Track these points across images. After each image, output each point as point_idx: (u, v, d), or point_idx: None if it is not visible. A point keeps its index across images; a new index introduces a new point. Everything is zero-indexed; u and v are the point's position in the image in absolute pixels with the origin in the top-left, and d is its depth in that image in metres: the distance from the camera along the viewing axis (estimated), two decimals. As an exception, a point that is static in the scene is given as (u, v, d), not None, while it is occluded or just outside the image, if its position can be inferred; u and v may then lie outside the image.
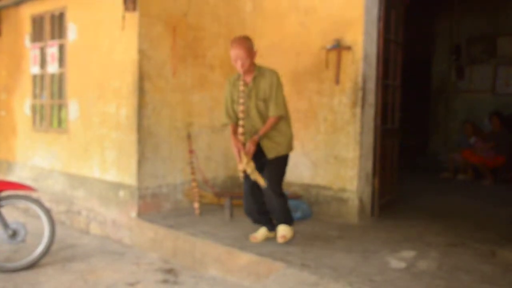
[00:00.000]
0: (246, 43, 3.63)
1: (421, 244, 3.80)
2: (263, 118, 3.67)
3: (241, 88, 3.64)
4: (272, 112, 3.64)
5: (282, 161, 3.75)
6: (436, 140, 9.04)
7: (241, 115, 3.64)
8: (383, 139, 4.71)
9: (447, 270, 3.23)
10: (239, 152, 3.63)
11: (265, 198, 3.74)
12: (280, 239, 3.73)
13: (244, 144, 3.64)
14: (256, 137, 3.62)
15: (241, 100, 3.64)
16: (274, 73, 3.68)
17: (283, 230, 3.76)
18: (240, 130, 3.66)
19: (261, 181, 3.61)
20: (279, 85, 3.67)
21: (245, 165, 3.59)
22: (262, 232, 3.89)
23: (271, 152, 3.69)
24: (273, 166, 3.69)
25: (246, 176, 3.72)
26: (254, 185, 3.72)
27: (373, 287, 2.90)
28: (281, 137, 3.73)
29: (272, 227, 3.90)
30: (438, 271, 3.20)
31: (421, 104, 8.88)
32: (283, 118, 3.72)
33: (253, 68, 3.69)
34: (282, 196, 3.74)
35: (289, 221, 3.81)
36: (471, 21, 8.50)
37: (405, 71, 5.38)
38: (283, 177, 3.78)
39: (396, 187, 5.33)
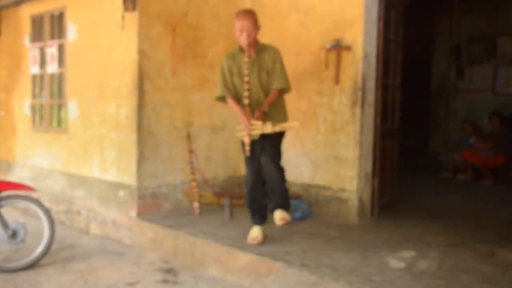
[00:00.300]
0: (253, 16, 3.64)
1: (421, 244, 3.80)
2: (265, 91, 3.67)
3: (246, 59, 3.60)
4: (277, 85, 3.64)
5: (279, 136, 3.73)
6: (436, 140, 9.04)
7: (246, 86, 3.59)
8: (383, 139, 4.71)
9: (447, 270, 3.23)
10: (247, 119, 3.54)
11: (266, 175, 3.68)
12: (280, 221, 3.64)
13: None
14: (263, 107, 3.57)
15: (246, 71, 3.60)
16: (277, 50, 3.72)
17: (281, 213, 3.68)
18: (246, 101, 3.60)
19: (271, 128, 3.53)
20: (282, 61, 3.69)
21: (261, 128, 3.51)
22: (258, 230, 3.84)
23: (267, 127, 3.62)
24: (271, 140, 3.64)
25: (251, 162, 3.69)
26: (260, 169, 3.70)
27: (373, 287, 2.89)
28: (279, 113, 3.73)
29: (264, 220, 3.87)
30: (438, 271, 3.20)
31: (421, 104, 8.88)
32: (286, 91, 3.73)
33: (255, 42, 3.69)
34: (283, 172, 3.73)
35: (287, 205, 3.76)
36: (471, 21, 8.50)
37: (405, 71, 5.38)
38: (281, 152, 3.75)
39: (396, 187, 5.33)
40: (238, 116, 3.66)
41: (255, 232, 3.84)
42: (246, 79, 3.59)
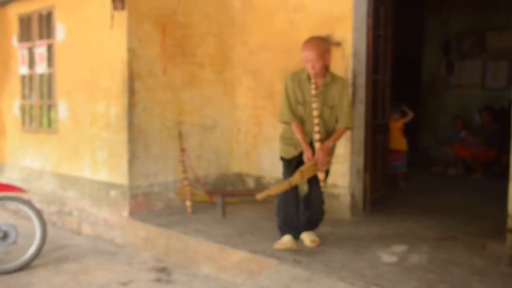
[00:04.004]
0: (319, 45, 3.38)
1: (412, 239, 3.82)
2: (325, 125, 3.47)
3: (313, 92, 3.40)
4: (345, 123, 3.48)
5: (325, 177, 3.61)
6: (427, 135, 9.10)
7: (316, 120, 3.39)
8: (374, 135, 4.73)
9: (438, 263, 3.25)
10: (324, 156, 3.38)
11: (313, 202, 3.62)
12: (312, 243, 3.61)
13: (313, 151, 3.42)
14: (328, 145, 3.40)
15: (315, 105, 3.39)
16: (345, 83, 3.54)
17: (312, 235, 3.68)
18: (317, 136, 3.40)
19: (321, 177, 3.43)
20: (349, 96, 3.55)
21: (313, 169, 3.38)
22: (289, 239, 3.57)
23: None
24: (318, 180, 3.51)
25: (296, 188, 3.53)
26: (297, 193, 3.58)
27: (365, 282, 2.91)
28: (332, 151, 3.60)
29: (297, 234, 3.67)
30: (429, 265, 3.23)
31: (412, 100, 8.91)
32: (349, 129, 3.62)
33: (324, 72, 3.45)
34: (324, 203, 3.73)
35: (316, 228, 3.78)
36: (461, 16, 8.55)
37: (395, 67, 5.40)
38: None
39: (387, 182, 5.35)
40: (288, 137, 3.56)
41: (288, 240, 3.57)
42: (315, 113, 3.37)
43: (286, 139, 3.61)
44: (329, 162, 3.55)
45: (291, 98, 3.50)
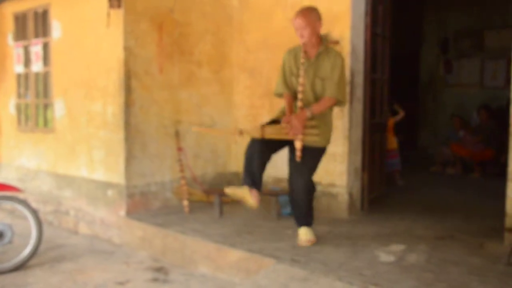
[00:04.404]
0: (309, 14, 3.37)
1: (410, 238, 3.81)
2: (317, 98, 3.43)
3: (302, 60, 3.38)
4: (331, 93, 3.36)
5: (319, 154, 3.50)
6: (425, 134, 9.09)
7: (300, 88, 3.36)
8: (371, 134, 4.72)
9: (436, 263, 3.24)
10: (301, 123, 3.29)
11: (293, 190, 3.51)
12: (305, 243, 3.56)
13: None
14: (304, 113, 3.29)
15: (302, 72, 3.37)
16: (339, 56, 3.43)
17: (306, 234, 3.58)
18: (300, 103, 3.37)
19: (297, 146, 3.31)
20: (343, 69, 3.40)
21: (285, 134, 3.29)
22: (242, 190, 3.48)
23: (310, 140, 3.39)
24: (308, 157, 3.39)
25: (262, 146, 3.42)
26: (267, 149, 3.43)
27: (363, 281, 2.89)
28: (325, 126, 3.47)
29: (255, 186, 3.47)
30: (427, 264, 3.21)
31: (410, 98, 8.92)
32: (340, 104, 3.49)
33: (318, 43, 3.42)
34: (312, 192, 3.57)
35: (310, 221, 3.63)
36: (459, 15, 8.54)
37: (393, 66, 5.39)
38: (313, 171, 3.51)
39: (385, 181, 5.34)
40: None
41: (241, 190, 3.49)
42: (301, 80, 3.37)
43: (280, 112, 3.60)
44: (312, 134, 3.38)
45: (286, 70, 3.53)
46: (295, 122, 3.29)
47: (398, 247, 3.56)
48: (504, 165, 3.62)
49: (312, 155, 3.46)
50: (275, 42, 4.94)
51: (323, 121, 3.47)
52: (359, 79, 4.56)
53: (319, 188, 4.65)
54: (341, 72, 3.41)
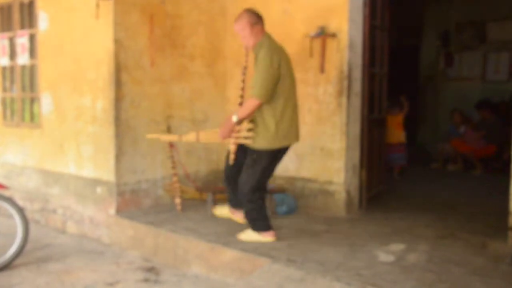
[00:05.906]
0: (241, 17, 3.42)
1: (410, 237, 3.76)
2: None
3: (244, 64, 3.46)
4: (251, 92, 3.29)
5: (259, 156, 3.42)
6: (426, 129, 8.98)
7: (240, 92, 3.43)
8: (370, 129, 4.65)
9: (437, 262, 3.19)
10: (229, 126, 3.49)
11: (239, 188, 3.59)
12: (239, 236, 3.65)
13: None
14: (232, 118, 3.40)
15: (242, 77, 3.44)
16: (266, 48, 3.29)
17: (246, 234, 3.63)
18: (238, 100, 3.50)
19: (231, 149, 3.55)
20: (265, 62, 3.23)
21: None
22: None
23: (248, 142, 3.45)
24: (249, 159, 3.47)
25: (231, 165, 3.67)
26: (231, 172, 3.67)
27: (361, 282, 2.83)
28: (258, 127, 3.40)
29: (236, 205, 3.85)
30: (428, 264, 3.16)
31: (410, 93, 8.80)
32: (265, 103, 3.32)
33: (255, 43, 3.43)
34: (252, 202, 3.49)
35: (256, 228, 3.59)
36: (460, 7, 8.39)
37: (393, 59, 5.30)
38: (256, 176, 3.43)
39: (384, 178, 5.27)
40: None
41: (226, 210, 3.93)
42: (241, 84, 3.48)
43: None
44: (248, 136, 3.43)
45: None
46: (221, 127, 3.50)
47: (398, 247, 3.51)
48: (507, 161, 3.55)
49: (252, 158, 3.46)
50: (271, 34, 4.81)
51: (260, 122, 3.41)
52: (357, 73, 4.48)
53: (315, 186, 4.58)
54: (262, 66, 3.25)
